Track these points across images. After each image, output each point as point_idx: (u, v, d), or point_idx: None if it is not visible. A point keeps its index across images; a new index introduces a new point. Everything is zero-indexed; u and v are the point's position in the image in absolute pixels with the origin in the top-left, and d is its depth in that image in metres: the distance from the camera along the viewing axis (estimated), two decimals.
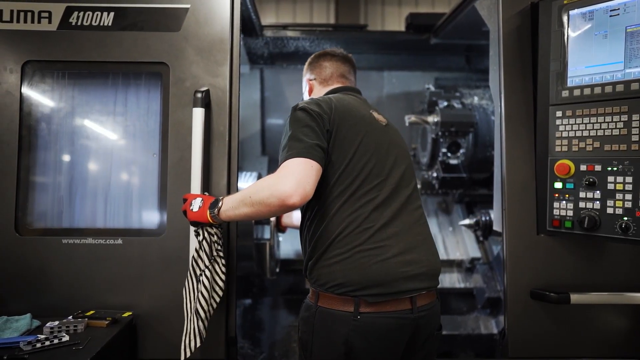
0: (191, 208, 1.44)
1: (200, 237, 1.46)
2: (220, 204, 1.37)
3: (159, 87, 1.79)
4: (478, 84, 3.14)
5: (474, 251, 2.93)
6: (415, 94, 3.32)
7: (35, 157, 1.77)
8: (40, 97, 1.80)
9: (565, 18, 1.61)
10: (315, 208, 1.35)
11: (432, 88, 3.10)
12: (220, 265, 1.52)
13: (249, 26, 2.77)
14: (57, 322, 1.48)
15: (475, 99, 2.96)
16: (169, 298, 1.68)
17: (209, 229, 1.47)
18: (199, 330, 1.45)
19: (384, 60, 3.39)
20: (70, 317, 1.54)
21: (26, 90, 1.77)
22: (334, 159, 1.32)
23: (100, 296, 1.68)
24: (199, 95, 1.65)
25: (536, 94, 1.72)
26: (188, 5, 1.77)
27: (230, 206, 1.34)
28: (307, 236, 1.37)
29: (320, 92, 1.64)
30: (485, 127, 2.82)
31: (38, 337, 1.37)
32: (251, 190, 1.26)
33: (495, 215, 1.86)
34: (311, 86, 1.68)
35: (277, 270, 2.71)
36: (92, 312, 1.60)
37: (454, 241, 3.06)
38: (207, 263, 1.47)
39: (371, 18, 6.21)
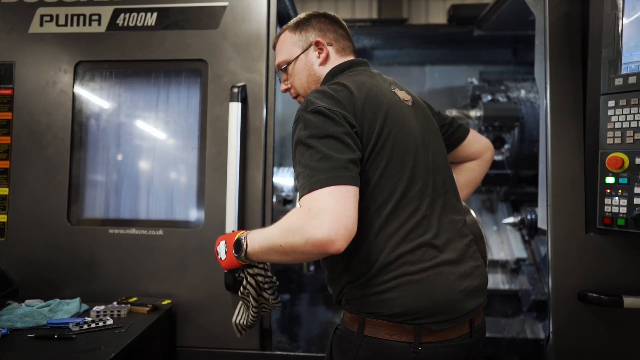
0: (219, 257, 1.23)
1: (245, 282, 1.26)
2: (244, 245, 1.13)
3: (198, 84, 1.84)
4: (525, 77, 2.99)
5: (519, 251, 2.79)
6: (459, 89, 3.21)
7: (85, 152, 1.89)
8: (90, 96, 1.91)
9: (619, 0, 1.50)
10: None
11: (475, 82, 2.99)
12: (271, 301, 1.30)
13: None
14: (102, 307, 1.57)
15: (522, 92, 2.82)
16: (207, 288, 1.73)
17: (249, 270, 1.24)
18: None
19: (425, 55, 3.30)
20: (114, 303, 1.63)
21: (78, 89, 1.88)
22: (367, 168, 1.06)
23: (142, 284, 1.76)
24: (235, 90, 1.69)
25: (585, 83, 1.62)
26: (226, 3, 1.81)
27: (259, 250, 1.09)
28: (338, 258, 1.10)
29: (335, 64, 1.28)
30: (533, 122, 2.68)
31: (85, 319, 1.46)
32: (280, 235, 1.00)
33: (540, 212, 1.77)
34: (328, 54, 1.28)
35: (312, 267, 2.72)
36: (134, 298, 1.68)
37: (498, 241, 2.93)
38: (256, 304, 1.30)
39: (414, 12, 6.09)
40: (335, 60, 1.28)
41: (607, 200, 1.50)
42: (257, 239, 1.10)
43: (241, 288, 1.27)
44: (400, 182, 1.07)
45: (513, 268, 2.80)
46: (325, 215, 0.91)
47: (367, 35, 3.09)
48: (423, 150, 1.14)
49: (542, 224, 1.75)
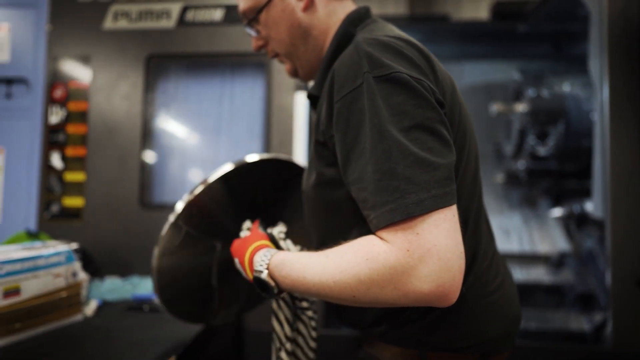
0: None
1: (282, 316, 0.85)
2: (272, 287, 0.74)
3: (263, 75, 1.93)
4: (568, 72, 3.00)
5: (562, 245, 2.81)
6: (499, 85, 3.24)
7: (155, 140, 2.00)
8: (160, 87, 2.02)
9: None
10: None
11: (518, 77, 3.02)
12: (308, 337, 0.90)
13: None
14: None
15: (566, 87, 2.84)
16: None
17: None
18: None
19: (464, 51, 3.34)
20: None
21: (148, 81, 1.99)
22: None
23: None
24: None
25: None
26: None
27: (305, 292, 0.72)
28: None
29: (331, 13, 0.88)
30: (577, 116, 2.69)
31: None
32: (355, 285, 0.64)
33: (594, 201, 1.80)
34: None
35: None
36: None
37: (540, 234, 2.95)
38: (289, 344, 0.89)
39: (449, 5, 6.07)
40: (329, 4, 0.87)
41: None
42: (302, 282, 0.70)
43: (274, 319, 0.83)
44: (477, 177, 0.83)
45: (556, 261, 2.81)
46: (435, 260, 0.60)
47: (405, 30, 3.14)
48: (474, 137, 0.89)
49: (596, 212, 1.78)
